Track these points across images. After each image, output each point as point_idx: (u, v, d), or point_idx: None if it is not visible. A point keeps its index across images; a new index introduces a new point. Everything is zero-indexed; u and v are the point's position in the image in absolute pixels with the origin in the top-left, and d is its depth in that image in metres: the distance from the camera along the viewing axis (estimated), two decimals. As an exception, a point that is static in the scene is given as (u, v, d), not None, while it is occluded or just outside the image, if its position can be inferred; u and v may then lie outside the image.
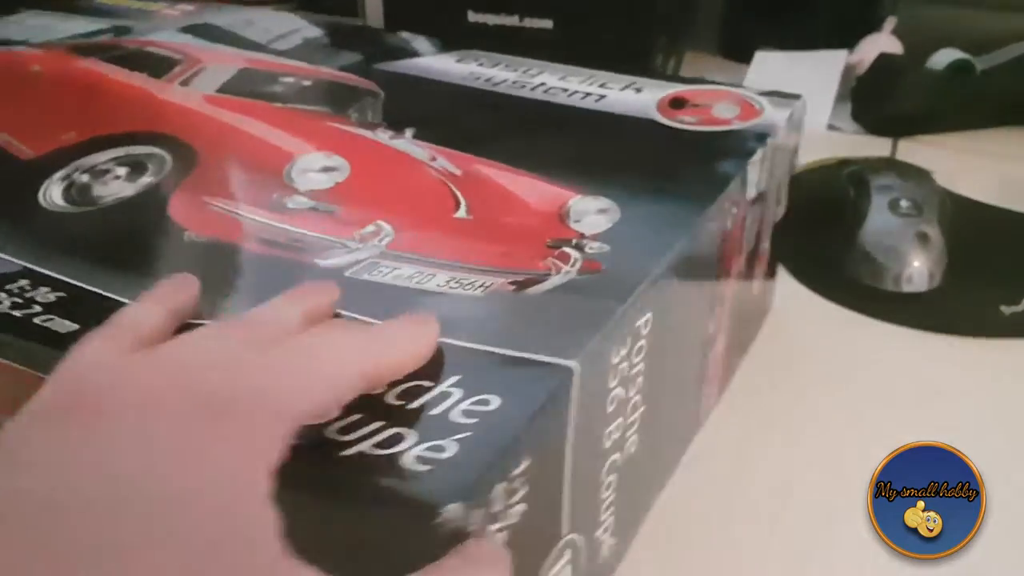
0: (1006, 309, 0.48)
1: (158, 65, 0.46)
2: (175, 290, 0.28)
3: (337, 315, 0.28)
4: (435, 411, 0.24)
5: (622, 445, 0.31)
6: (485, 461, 0.23)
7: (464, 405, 0.25)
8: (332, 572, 0.20)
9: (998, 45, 0.71)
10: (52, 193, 0.35)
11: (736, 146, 0.39)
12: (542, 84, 0.45)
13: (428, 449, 0.23)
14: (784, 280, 0.49)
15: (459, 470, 0.23)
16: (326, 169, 0.37)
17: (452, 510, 0.21)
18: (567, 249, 0.32)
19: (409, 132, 0.40)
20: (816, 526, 0.36)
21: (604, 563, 0.32)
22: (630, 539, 0.34)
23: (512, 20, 0.69)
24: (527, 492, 0.24)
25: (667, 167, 0.37)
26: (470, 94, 0.44)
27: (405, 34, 0.52)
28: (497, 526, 0.23)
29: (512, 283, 0.30)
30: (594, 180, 0.35)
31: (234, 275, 0.31)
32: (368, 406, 0.24)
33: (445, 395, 0.25)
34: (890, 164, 0.60)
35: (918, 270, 0.49)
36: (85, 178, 0.37)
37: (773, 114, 0.41)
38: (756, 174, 0.38)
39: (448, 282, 0.30)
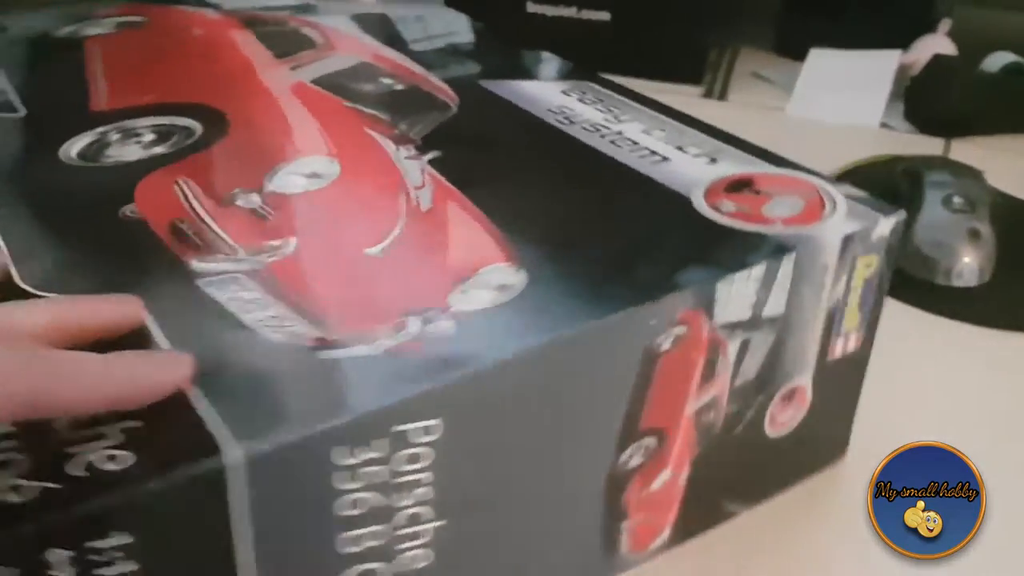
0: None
1: (295, 46, 0.48)
2: None
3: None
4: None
5: (389, 556, 0.27)
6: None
7: (108, 452, 0.23)
8: None
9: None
10: (75, 147, 0.38)
11: (738, 253, 0.31)
12: (620, 132, 0.40)
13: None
14: None
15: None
16: (312, 175, 0.36)
17: None
18: (409, 318, 0.28)
19: (430, 155, 0.38)
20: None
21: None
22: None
23: (570, 11, 0.70)
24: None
25: (640, 259, 0.31)
26: (534, 128, 0.40)
27: (545, 54, 0.49)
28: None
29: (318, 339, 0.27)
30: (549, 250, 0.31)
31: (101, 256, 0.31)
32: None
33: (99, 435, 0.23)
34: (944, 162, 0.61)
35: (968, 265, 0.50)
36: (115, 137, 0.39)
37: (839, 225, 0.33)
38: (751, 292, 0.31)
39: (269, 319, 0.28)
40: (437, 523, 0.27)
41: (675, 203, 0.34)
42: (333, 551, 0.26)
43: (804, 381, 0.35)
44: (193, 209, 0.34)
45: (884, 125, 0.68)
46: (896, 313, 0.45)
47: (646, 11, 0.70)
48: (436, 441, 0.26)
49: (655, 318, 0.29)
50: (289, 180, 0.36)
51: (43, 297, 0.28)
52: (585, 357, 0.28)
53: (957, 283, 0.50)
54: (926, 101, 0.68)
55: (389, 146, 0.38)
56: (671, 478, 0.33)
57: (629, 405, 0.30)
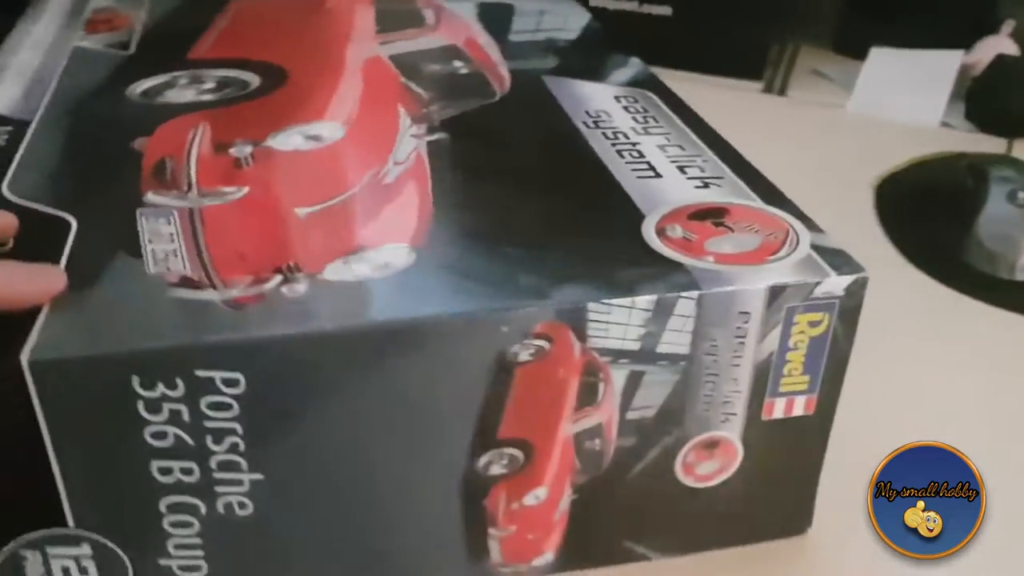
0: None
1: (403, 23, 0.50)
2: None
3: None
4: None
5: (208, 495, 0.28)
6: None
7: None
8: None
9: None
10: (143, 86, 0.42)
11: (636, 279, 0.29)
12: (634, 144, 0.38)
13: None
14: (900, 265, 0.52)
15: None
16: (312, 138, 0.38)
17: None
18: (275, 276, 0.29)
19: (433, 137, 0.38)
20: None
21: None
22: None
23: (631, 5, 0.69)
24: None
25: (537, 265, 0.30)
26: (553, 127, 0.40)
27: (633, 60, 0.47)
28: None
29: (183, 279, 0.29)
30: (462, 242, 0.31)
31: (85, 178, 0.35)
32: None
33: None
34: (1008, 159, 0.61)
35: (1032, 261, 0.50)
36: (182, 82, 0.43)
37: (771, 273, 0.30)
38: (638, 321, 0.29)
39: (165, 252, 0.30)
40: (253, 476, 0.28)
41: (627, 219, 0.33)
42: (149, 475, 0.28)
43: (730, 435, 0.32)
44: (188, 150, 0.37)
45: (945, 124, 0.68)
46: (961, 307, 0.49)
47: (708, 6, 0.71)
48: (240, 395, 0.27)
49: (506, 325, 0.28)
50: (289, 139, 0.38)
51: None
52: (417, 350, 0.28)
53: (1021, 277, 0.50)
54: (988, 101, 0.68)
55: (404, 122, 0.40)
56: (547, 498, 0.31)
57: (483, 410, 0.29)
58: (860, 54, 0.73)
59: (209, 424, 0.27)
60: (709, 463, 0.32)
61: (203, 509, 0.28)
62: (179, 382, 0.26)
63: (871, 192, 0.58)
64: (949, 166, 0.58)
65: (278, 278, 0.29)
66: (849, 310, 0.30)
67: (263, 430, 0.28)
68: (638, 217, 0.33)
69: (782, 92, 0.73)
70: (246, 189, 0.34)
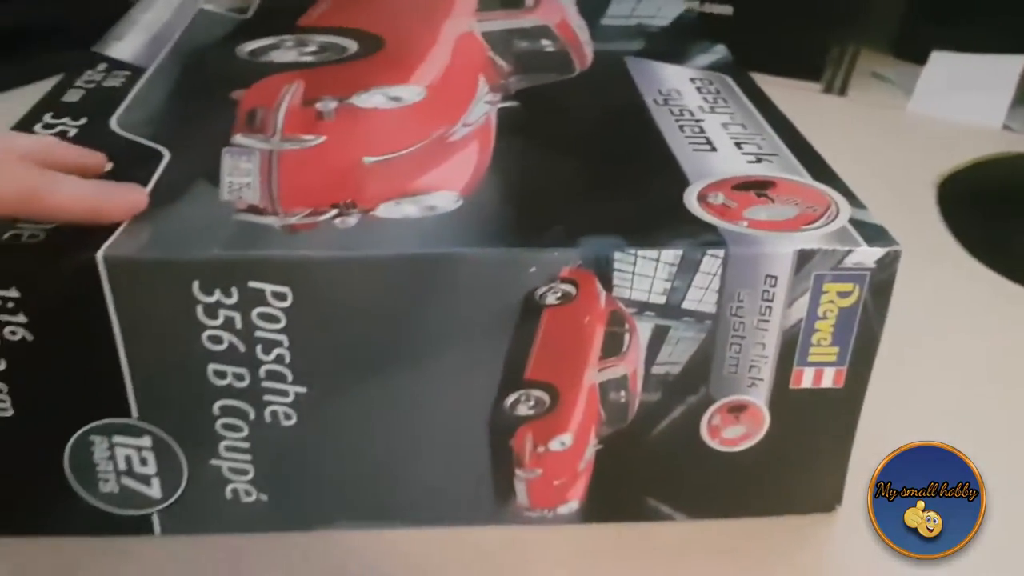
0: None
1: (508, 2, 0.52)
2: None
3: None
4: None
5: (256, 402, 0.31)
6: None
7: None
8: None
9: None
10: (251, 46, 0.46)
11: (665, 235, 0.30)
12: (698, 120, 0.39)
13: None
14: (963, 259, 0.51)
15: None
16: (394, 99, 0.41)
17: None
18: (332, 209, 0.31)
19: (505, 104, 0.40)
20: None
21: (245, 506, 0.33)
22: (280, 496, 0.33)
23: (692, 4, 0.67)
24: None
25: (574, 217, 0.32)
26: (623, 102, 0.41)
27: (718, 47, 0.48)
28: None
29: (251, 207, 0.32)
30: (508, 194, 0.33)
31: (187, 118, 0.39)
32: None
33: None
34: None
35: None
36: (288, 44, 0.46)
37: (800, 240, 0.30)
38: (663, 275, 0.30)
39: (240, 184, 0.33)
40: (299, 388, 0.31)
41: (674, 185, 0.34)
42: (206, 378, 0.31)
43: (757, 401, 0.33)
44: (280, 102, 0.40)
45: (1006, 127, 0.67)
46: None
47: (769, 7, 0.71)
48: (288, 308, 0.29)
49: (533, 266, 0.29)
50: (372, 99, 0.40)
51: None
52: (448, 282, 0.30)
53: None
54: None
55: (482, 90, 0.42)
56: (573, 445, 0.33)
57: (511, 348, 0.31)
58: (920, 59, 0.73)
59: (259, 334, 0.30)
60: (735, 427, 0.33)
61: (252, 415, 0.31)
62: (234, 290, 0.29)
63: (933, 190, 0.58)
64: (1010, 166, 0.58)
65: (334, 211, 0.31)
66: (881, 284, 0.31)
67: (307, 345, 0.30)
68: (684, 184, 0.34)
69: (842, 93, 0.73)
70: (323, 138, 0.37)
